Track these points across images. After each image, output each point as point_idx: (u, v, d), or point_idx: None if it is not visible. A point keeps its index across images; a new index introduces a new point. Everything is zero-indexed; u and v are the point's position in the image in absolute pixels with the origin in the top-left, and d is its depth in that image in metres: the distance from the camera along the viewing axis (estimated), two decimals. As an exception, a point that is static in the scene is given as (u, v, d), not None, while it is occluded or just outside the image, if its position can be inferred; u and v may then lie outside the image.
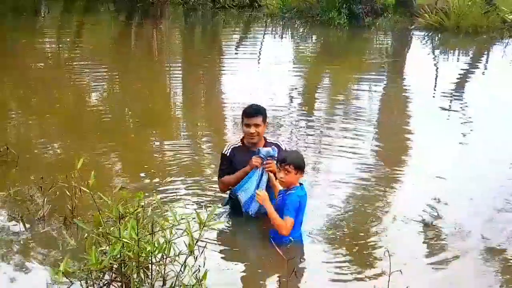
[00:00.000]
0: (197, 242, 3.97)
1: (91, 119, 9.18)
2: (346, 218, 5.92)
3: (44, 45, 16.08)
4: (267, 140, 5.82)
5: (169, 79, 12.78)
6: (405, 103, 10.70)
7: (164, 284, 4.19)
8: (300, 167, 5.18)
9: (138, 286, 4.07)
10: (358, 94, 11.38)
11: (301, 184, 5.28)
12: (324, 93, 11.84)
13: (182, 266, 4.07)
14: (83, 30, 19.78)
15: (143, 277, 4.11)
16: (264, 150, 5.49)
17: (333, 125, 8.99)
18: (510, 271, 5.09)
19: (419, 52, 16.42)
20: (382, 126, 9.36)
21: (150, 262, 4.07)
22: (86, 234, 4.19)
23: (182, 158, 7.46)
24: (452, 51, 16.85)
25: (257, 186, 5.47)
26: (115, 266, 4.05)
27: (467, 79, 12.96)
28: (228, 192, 5.82)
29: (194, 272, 4.06)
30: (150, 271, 4.10)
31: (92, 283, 4.10)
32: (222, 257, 5.08)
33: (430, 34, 18.10)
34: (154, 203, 4.14)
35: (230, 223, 5.70)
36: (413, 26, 18.87)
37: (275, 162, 5.35)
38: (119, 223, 4.00)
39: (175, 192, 6.33)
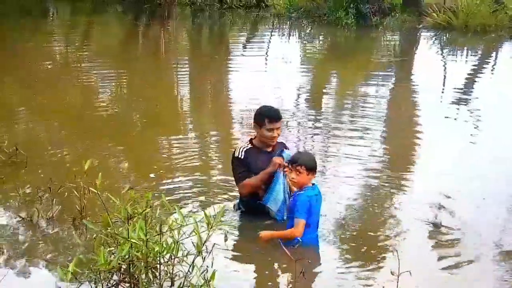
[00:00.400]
0: (205, 242, 3.97)
1: (99, 119, 9.20)
2: (354, 218, 5.90)
3: (52, 46, 16.13)
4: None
5: (177, 79, 12.79)
6: (414, 102, 10.69)
7: (172, 284, 4.18)
8: (312, 168, 5.18)
9: (146, 286, 4.07)
10: (366, 93, 11.35)
11: (313, 184, 5.27)
12: (332, 93, 11.84)
13: (190, 266, 4.07)
14: (91, 31, 19.84)
15: (151, 277, 4.11)
16: (286, 153, 5.47)
17: (341, 125, 8.97)
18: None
19: (427, 51, 16.39)
20: (390, 126, 9.35)
21: (158, 262, 4.07)
22: (95, 235, 4.20)
23: (190, 158, 7.46)
24: (460, 50, 16.81)
25: (284, 192, 5.48)
26: (123, 266, 4.05)
27: (475, 78, 12.93)
28: (244, 197, 5.73)
29: (202, 273, 4.06)
30: (159, 271, 4.10)
31: (100, 283, 4.11)
32: (230, 258, 5.07)
33: (438, 33, 18.07)
34: (162, 204, 4.13)
35: (238, 223, 5.69)
36: (421, 25, 18.84)
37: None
38: (128, 223, 4.00)
39: (184, 193, 6.32)
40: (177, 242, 3.99)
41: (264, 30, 20.43)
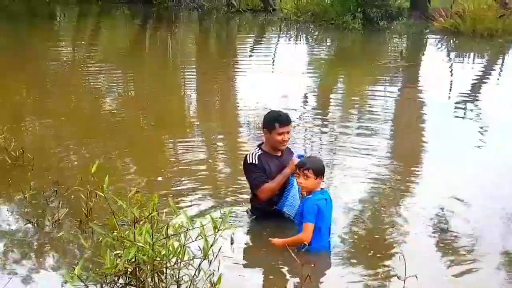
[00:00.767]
0: (211, 246, 3.96)
1: (106, 122, 9.23)
2: (360, 221, 5.89)
3: (59, 49, 16.17)
4: None
5: (184, 82, 12.81)
6: (420, 106, 10.67)
7: (178, 288, 4.19)
8: (319, 172, 5.16)
9: (152, 290, 4.08)
10: (373, 97, 11.34)
11: (322, 188, 5.25)
12: (339, 96, 11.84)
13: (196, 270, 4.07)
14: (98, 34, 19.90)
15: (157, 281, 4.11)
16: (305, 157, 5.50)
17: (348, 130, 8.95)
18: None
19: (434, 56, 16.36)
20: (397, 130, 9.34)
21: (164, 266, 4.06)
22: (101, 238, 4.20)
23: (197, 161, 7.47)
24: (467, 55, 16.78)
25: (299, 196, 5.50)
26: (129, 269, 4.05)
27: (482, 83, 12.90)
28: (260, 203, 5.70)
29: (209, 276, 4.06)
30: (165, 275, 4.09)
31: (106, 286, 4.11)
32: (236, 261, 5.06)
33: (445, 37, 18.05)
34: (169, 207, 4.13)
35: (245, 227, 5.69)
36: (428, 30, 18.82)
37: None
38: (134, 227, 4.01)
39: (191, 196, 6.32)
40: (183, 246, 3.99)
41: (271, 33, 20.44)
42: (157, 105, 10.42)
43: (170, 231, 4.01)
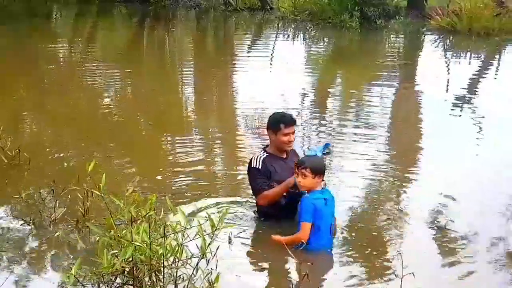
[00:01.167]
0: (209, 245, 3.96)
1: (103, 122, 9.21)
2: (358, 220, 5.89)
3: (57, 48, 16.14)
4: None
5: (182, 81, 12.80)
6: (417, 105, 10.68)
7: (176, 287, 4.17)
8: (317, 171, 5.13)
9: (150, 289, 4.07)
10: (370, 96, 11.34)
11: (323, 188, 5.24)
12: (337, 95, 11.82)
13: (194, 269, 4.06)
14: (95, 33, 19.87)
15: (155, 280, 4.10)
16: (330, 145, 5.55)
17: (345, 129, 8.93)
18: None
19: (432, 55, 16.37)
20: (394, 128, 9.34)
21: (162, 265, 4.05)
22: (98, 237, 4.19)
23: (195, 161, 7.46)
24: (464, 53, 16.80)
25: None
26: (127, 269, 4.04)
27: (479, 81, 12.90)
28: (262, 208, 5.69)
29: (207, 275, 4.05)
30: (162, 274, 4.09)
31: (104, 286, 4.10)
32: (234, 260, 5.05)
33: (442, 36, 18.06)
34: (167, 206, 4.12)
35: (243, 226, 5.67)
36: (425, 29, 18.84)
37: None
38: (131, 226, 4.00)
39: (189, 195, 6.31)
40: (181, 245, 3.98)
41: (269, 32, 20.43)
42: (155, 104, 10.40)
43: (167, 230, 4.00)
